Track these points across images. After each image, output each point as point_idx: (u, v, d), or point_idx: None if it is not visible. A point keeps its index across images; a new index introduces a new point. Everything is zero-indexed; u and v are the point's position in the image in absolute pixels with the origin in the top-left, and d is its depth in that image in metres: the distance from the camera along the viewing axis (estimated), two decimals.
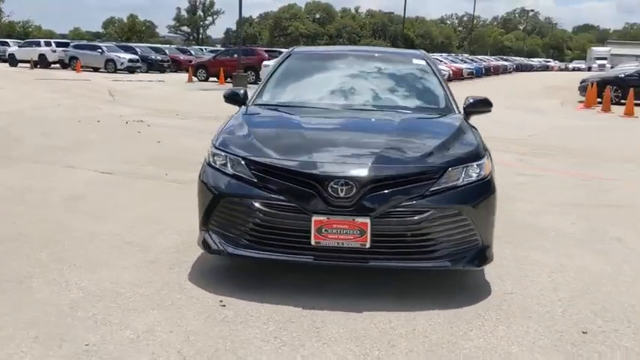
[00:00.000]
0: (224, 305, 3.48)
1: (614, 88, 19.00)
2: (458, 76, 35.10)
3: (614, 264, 4.45)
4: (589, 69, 61.66)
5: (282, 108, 4.69)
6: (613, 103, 18.01)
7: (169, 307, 3.46)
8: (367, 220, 3.43)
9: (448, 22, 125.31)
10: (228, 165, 3.78)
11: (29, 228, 4.84)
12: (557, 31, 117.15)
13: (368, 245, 3.46)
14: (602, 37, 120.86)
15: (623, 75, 19.91)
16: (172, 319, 3.29)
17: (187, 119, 13.07)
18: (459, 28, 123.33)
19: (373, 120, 4.53)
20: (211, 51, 34.87)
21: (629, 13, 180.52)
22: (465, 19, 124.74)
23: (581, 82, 20.62)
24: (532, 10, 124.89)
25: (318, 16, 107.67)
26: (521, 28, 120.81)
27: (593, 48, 77.56)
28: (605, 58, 66.05)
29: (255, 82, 25.73)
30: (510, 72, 48.38)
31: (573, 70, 68.01)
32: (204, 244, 3.83)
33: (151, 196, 6.08)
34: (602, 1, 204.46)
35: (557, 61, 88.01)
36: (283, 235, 3.56)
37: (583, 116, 16.60)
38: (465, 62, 42.14)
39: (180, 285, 3.78)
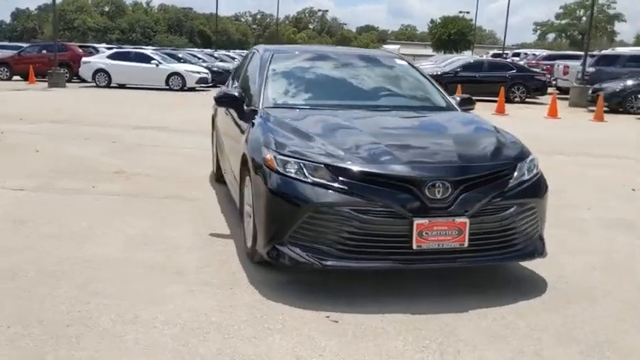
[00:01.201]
0: (336, 321, 3.31)
1: None
2: None
3: None
4: None
5: (309, 110, 4.53)
6: None
7: (286, 330, 3.20)
8: (466, 220, 3.51)
9: (242, 19, 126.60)
10: (305, 172, 3.58)
11: (10, 262, 4.06)
12: (344, 31, 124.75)
13: (466, 244, 3.54)
14: (382, 37, 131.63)
15: (439, 72, 21.98)
16: (305, 343, 3.05)
17: (38, 123, 11.65)
18: (254, 26, 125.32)
19: (414, 120, 4.58)
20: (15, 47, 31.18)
21: (395, 16, 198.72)
22: (259, 17, 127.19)
23: None
24: (320, 11, 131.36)
25: (107, 9, 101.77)
26: (312, 27, 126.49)
27: (384, 46, 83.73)
28: None
29: (70, 80, 23.69)
30: None
31: None
32: (287, 259, 3.58)
33: (106, 213, 5.41)
34: (376, 5, 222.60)
35: None
36: (381, 242, 3.49)
37: None
38: None
39: (268, 306, 3.49)
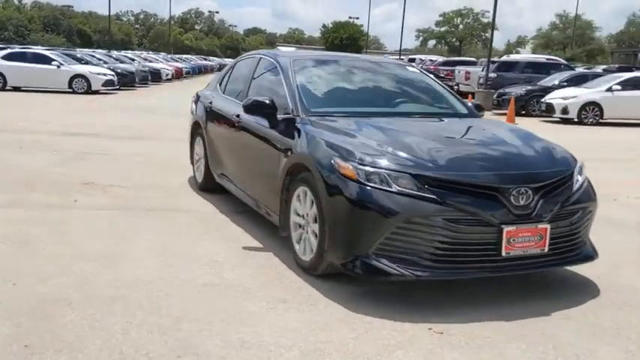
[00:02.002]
0: (441, 332, 3.28)
1: None
2: (179, 75, 35.19)
3: None
4: None
5: (351, 117, 4.47)
6: None
7: (403, 344, 3.12)
8: (547, 225, 3.62)
9: (124, 18, 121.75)
10: (390, 182, 3.52)
11: (53, 289, 3.65)
12: (232, 33, 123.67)
13: (546, 250, 3.65)
14: (271, 39, 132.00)
15: None
16: (432, 357, 3.00)
17: None
18: (136, 26, 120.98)
19: (461, 127, 4.62)
20: None
21: (278, 18, 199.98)
22: (142, 16, 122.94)
23: None
24: (210, 12, 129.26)
25: None
26: (198, 28, 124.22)
27: (280, 48, 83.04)
28: None
29: None
30: (214, 70, 49.88)
31: None
32: (373, 271, 3.51)
33: (113, 229, 5.00)
34: (260, 7, 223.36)
35: None
36: (471, 251, 3.51)
37: None
38: (183, 62, 43.26)
39: (364, 321, 3.38)
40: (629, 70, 26.05)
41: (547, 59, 26.08)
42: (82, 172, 7.31)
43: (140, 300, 3.55)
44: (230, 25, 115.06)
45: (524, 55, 33.04)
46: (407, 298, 3.72)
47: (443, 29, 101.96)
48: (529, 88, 20.26)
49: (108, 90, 22.18)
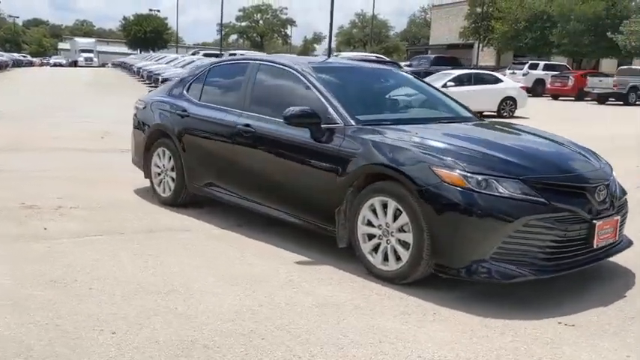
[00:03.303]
0: (572, 325, 3.53)
1: None
2: None
3: None
4: (75, 63, 61.26)
5: (397, 125, 4.54)
6: None
7: (560, 342, 3.31)
8: (618, 217, 4.07)
9: None
10: (499, 187, 3.68)
11: (142, 334, 3.21)
12: (10, 25, 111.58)
13: (617, 239, 4.09)
14: (56, 31, 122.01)
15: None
16: (590, 349, 3.23)
17: None
18: None
19: (503, 132, 4.87)
20: None
21: (58, 9, 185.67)
22: None
23: (163, 81, 21.58)
24: None
25: None
26: None
27: (77, 39, 75.25)
28: (91, 51, 66.33)
29: None
30: (8, 67, 44.61)
31: (55, 65, 65.35)
32: (494, 274, 3.67)
33: (136, 260, 4.46)
34: None
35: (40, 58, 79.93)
36: (572, 246, 3.81)
37: None
38: None
39: (507, 325, 3.51)
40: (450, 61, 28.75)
41: (376, 57, 27.80)
42: (15, 193, 6.24)
43: (271, 332, 3.28)
44: (10, 16, 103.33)
45: (356, 54, 34.75)
46: (509, 297, 3.91)
47: (244, 24, 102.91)
48: None
49: None
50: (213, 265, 4.36)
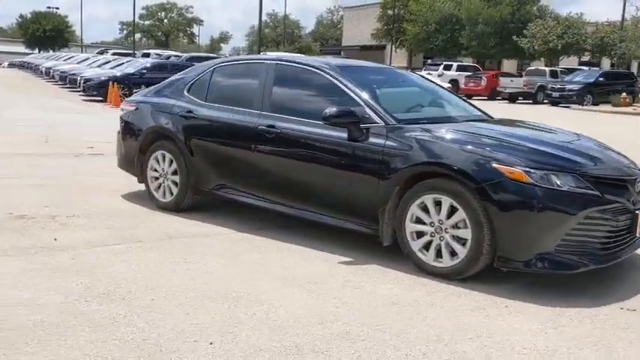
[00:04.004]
0: (634, 309, 3.74)
1: (122, 86, 19.89)
2: None
3: None
4: None
5: (435, 124, 4.60)
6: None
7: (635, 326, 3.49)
8: None
9: None
10: (558, 181, 3.84)
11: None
12: None
13: None
14: None
15: (119, 74, 21.00)
16: None
17: None
18: None
19: (528, 126, 5.04)
20: None
21: None
22: None
23: (85, 82, 20.60)
24: None
25: None
26: None
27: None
28: None
29: None
30: None
31: None
32: (558, 265, 3.84)
33: (179, 270, 4.26)
34: None
35: None
36: (621, 236, 4.05)
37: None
38: None
39: (579, 312, 3.66)
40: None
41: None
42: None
43: (367, 333, 3.26)
44: None
45: (283, 54, 34.53)
46: (561, 287, 4.07)
47: (148, 23, 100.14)
48: None
49: None
50: (258, 269, 4.24)
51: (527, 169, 3.86)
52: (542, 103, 29.46)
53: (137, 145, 6.01)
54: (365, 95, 4.66)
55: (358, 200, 4.49)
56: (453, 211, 4.05)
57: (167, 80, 6.38)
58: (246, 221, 5.44)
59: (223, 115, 5.36)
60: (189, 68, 6.41)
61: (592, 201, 3.86)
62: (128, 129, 6.19)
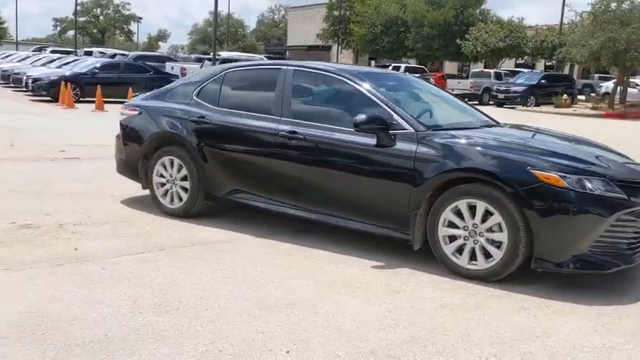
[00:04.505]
0: None
1: (74, 86, 19.26)
2: None
3: None
4: None
5: (463, 130, 4.73)
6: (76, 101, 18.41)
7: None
8: None
9: None
10: (590, 186, 4.04)
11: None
12: None
13: None
14: None
15: (70, 74, 20.32)
16: None
17: None
18: None
19: (543, 132, 5.23)
20: None
21: None
22: None
23: (34, 82, 19.82)
24: None
25: None
26: None
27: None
28: None
29: None
30: None
31: None
32: (593, 266, 4.04)
33: (214, 278, 4.22)
34: None
35: None
36: None
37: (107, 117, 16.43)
38: None
39: (621, 314, 3.85)
40: None
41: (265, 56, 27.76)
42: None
43: (432, 336, 3.35)
44: None
45: (238, 53, 34.24)
46: (588, 287, 4.27)
47: (83, 19, 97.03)
48: None
49: None
50: (295, 275, 4.25)
51: (563, 174, 4.04)
52: (487, 104, 30.35)
53: (141, 151, 5.89)
54: (392, 102, 4.74)
55: (388, 205, 4.57)
56: (487, 215, 4.19)
57: (169, 85, 6.29)
58: (259, 226, 5.42)
59: (240, 121, 5.32)
60: (194, 73, 6.33)
61: (621, 204, 4.08)
62: (130, 134, 6.04)
